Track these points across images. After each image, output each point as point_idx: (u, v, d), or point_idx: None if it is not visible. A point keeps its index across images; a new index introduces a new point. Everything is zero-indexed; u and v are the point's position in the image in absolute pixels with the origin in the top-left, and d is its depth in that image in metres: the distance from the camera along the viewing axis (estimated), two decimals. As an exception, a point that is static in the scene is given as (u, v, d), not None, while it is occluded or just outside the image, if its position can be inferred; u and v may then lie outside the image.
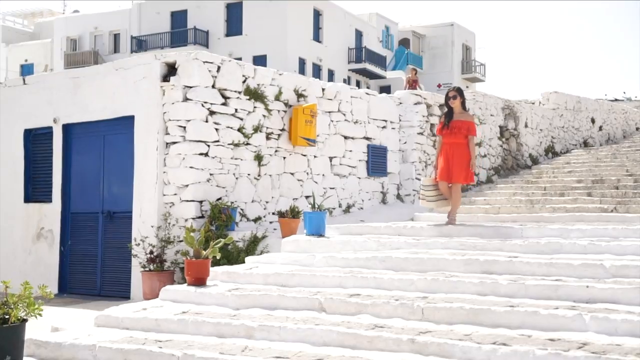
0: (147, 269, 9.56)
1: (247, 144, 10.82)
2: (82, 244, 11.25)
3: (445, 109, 9.93)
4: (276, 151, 11.33)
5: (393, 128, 13.96)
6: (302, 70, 36.92)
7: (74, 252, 11.36)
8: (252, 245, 9.77)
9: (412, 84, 20.77)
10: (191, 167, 10.03)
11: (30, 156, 12.04)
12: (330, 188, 12.41)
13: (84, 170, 11.32)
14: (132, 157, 10.46)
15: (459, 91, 9.77)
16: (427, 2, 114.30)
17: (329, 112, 12.46)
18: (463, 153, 9.52)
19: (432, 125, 14.48)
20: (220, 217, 9.83)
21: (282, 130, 11.43)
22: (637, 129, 25.01)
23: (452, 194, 9.64)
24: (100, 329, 7.01)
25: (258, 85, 11.01)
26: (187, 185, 10.02)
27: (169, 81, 10.17)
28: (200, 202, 10.08)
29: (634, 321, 5.52)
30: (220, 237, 9.18)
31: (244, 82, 10.81)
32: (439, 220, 11.60)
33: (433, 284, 7.06)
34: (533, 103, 19.36)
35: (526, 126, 17.75)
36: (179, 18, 40.39)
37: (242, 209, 10.65)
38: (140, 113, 10.42)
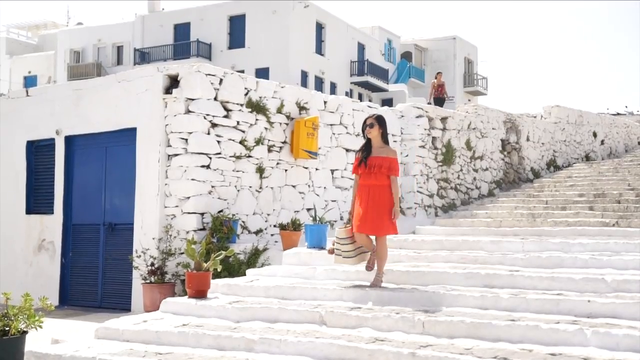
0: (148, 281, 9.55)
1: (249, 156, 10.83)
2: (83, 255, 11.25)
3: (364, 141, 7.99)
4: (278, 163, 11.34)
5: (395, 141, 13.97)
6: (304, 83, 37.00)
7: (75, 264, 11.35)
8: (253, 258, 9.76)
9: (439, 89, 20.14)
10: (193, 180, 10.04)
11: (32, 167, 12.06)
12: (332, 201, 12.41)
13: (86, 182, 11.34)
14: (134, 169, 10.47)
15: (379, 119, 7.77)
16: (429, 15, 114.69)
17: (331, 124, 12.48)
18: (384, 198, 7.59)
19: (434, 138, 14.50)
20: (221, 230, 9.83)
21: (284, 142, 11.45)
22: (639, 143, 25.01)
23: (376, 248, 7.71)
24: (101, 341, 7.00)
25: (260, 97, 11.04)
26: (188, 198, 10.03)
27: (171, 93, 10.20)
28: (202, 214, 10.09)
29: (636, 336, 5.50)
30: (222, 249, 9.18)
31: (246, 94, 10.84)
32: (441, 234, 11.59)
33: (434, 298, 7.05)
34: (535, 117, 19.38)
35: (528, 140, 17.76)
36: (181, 30, 40.54)
37: (243, 222, 10.65)
38: (143, 125, 10.44)
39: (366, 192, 7.63)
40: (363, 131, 7.83)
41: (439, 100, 20.17)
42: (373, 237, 7.78)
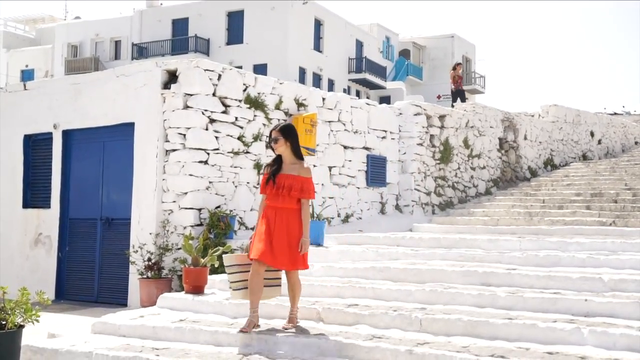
0: (144, 276, 9.53)
1: (247, 152, 10.82)
2: (80, 250, 11.23)
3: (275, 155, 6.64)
4: (276, 160, 11.32)
5: (393, 138, 13.98)
6: (302, 80, 36.97)
7: (71, 258, 11.33)
8: (251, 254, 9.74)
9: (458, 81, 19.18)
10: (190, 175, 10.03)
11: (30, 162, 12.03)
12: (329, 197, 12.40)
13: (83, 177, 11.31)
14: (132, 164, 10.45)
15: (284, 131, 6.43)
16: (427, 13, 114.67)
17: (329, 121, 12.47)
18: (295, 224, 6.33)
19: (431, 136, 14.50)
20: (218, 225, 9.82)
21: (282, 139, 11.42)
22: (636, 143, 25.05)
23: (289, 283, 6.50)
24: (97, 336, 6.99)
25: (258, 94, 11.02)
26: (186, 193, 10.01)
27: (169, 89, 10.19)
28: (199, 209, 10.07)
29: (633, 335, 5.51)
30: (219, 245, 9.17)
31: (244, 90, 10.83)
32: (438, 232, 11.59)
33: (431, 295, 7.06)
34: (532, 115, 19.39)
35: (525, 138, 17.77)
36: (180, 26, 40.48)
37: (240, 217, 10.64)
38: (141, 120, 10.42)
39: (273, 215, 6.33)
40: (270, 145, 6.55)
41: (460, 93, 18.99)
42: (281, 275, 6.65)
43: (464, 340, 5.91)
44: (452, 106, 17.33)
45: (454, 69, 19.60)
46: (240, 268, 6.45)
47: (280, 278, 6.64)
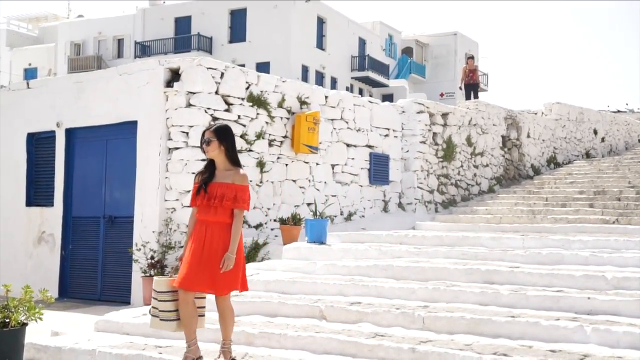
0: (147, 274, 9.54)
1: (250, 150, 10.82)
2: (83, 248, 11.24)
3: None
4: (278, 158, 11.34)
5: (395, 136, 13.97)
6: (305, 78, 36.95)
7: (74, 257, 11.35)
8: (253, 252, 9.76)
9: (470, 75, 18.77)
10: (193, 173, 10.01)
11: (33, 160, 12.04)
12: (332, 196, 12.40)
13: (86, 175, 11.33)
14: (135, 162, 10.46)
15: (219, 132, 5.67)
16: (430, 11, 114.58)
17: (332, 119, 12.47)
18: (227, 241, 5.50)
19: (434, 134, 14.49)
20: (221, 224, 9.80)
21: (285, 137, 11.44)
22: (639, 140, 25.00)
23: (219, 310, 5.61)
24: (101, 334, 7.00)
25: (261, 92, 11.02)
26: (189, 191, 10.01)
27: (172, 87, 10.19)
28: (202, 208, 10.06)
29: (636, 333, 5.51)
30: (222, 243, 9.15)
31: (247, 88, 10.83)
32: (441, 230, 11.59)
33: (434, 293, 7.06)
34: (535, 113, 19.36)
35: (528, 136, 17.75)
36: (182, 24, 40.46)
37: (243, 216, 10.63)
38: (143, 118, 10.43)
39: (204, 231, 5.50)
40: (201, 148, 5.77)
41: (472, 87, 18.68)
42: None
43: (466, 338, 5.91)
44: (470, 99, 17.39)
45: (467, 62, 19.27)
46: (173, 295, 5.50)
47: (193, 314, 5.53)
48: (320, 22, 39.93)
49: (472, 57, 19.41)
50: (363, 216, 13.06)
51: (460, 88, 19.15)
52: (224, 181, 5.57)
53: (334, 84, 40.06)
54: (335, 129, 12.54)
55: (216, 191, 5.52)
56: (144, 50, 40.64)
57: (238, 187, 5.57)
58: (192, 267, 5.39)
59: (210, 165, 5.69)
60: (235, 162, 5.67)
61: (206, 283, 5.40)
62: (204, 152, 5.68)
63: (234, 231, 5.50)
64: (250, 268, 9.01)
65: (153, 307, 5.58)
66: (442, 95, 43.21)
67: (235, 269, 5.44)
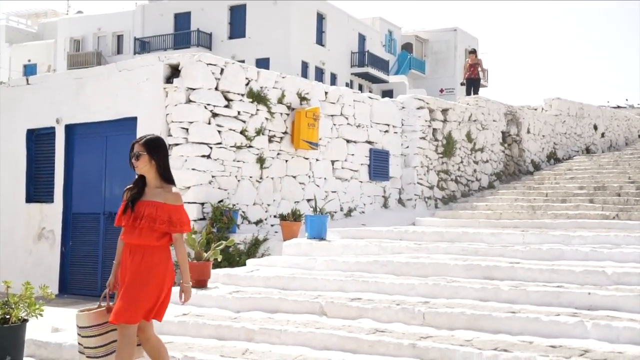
0: (148, 271, 9.53)
1: (250, 146, 10.82)
2: (83, 244, 11.25)
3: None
4: (278, 154, 11.33)
5: (395, 132, 13.96)
6: (304, 74, 36.91)
7: (75, 253, 11.35)
8: (254, 248, 9.76)
9: (471, 69, 18.47)
10: (193, 169, 10.03)
11: (33, 156, 12.03)
12: (332, 192, 12.40)
13: (86, 171, 11.32)
14: (135, 158, 10.44)
15: (149, 145, 5.02)
16: (430, 7, 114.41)
17: (332, 115, 12.46)
18: (154, 268, 4.90)
19: (434, 130, 14.48)
20: (221, 220, 9.82)
21: (285, 133, 11.43)
22: (639, 136, 24.99)
23: (149, 341, 5.07)
24: (101, 330, 6.99)
25: (261, 88, 11.01)
26: (189, 187, 10.01)
27: (172, 83, 10.18)
28: (202, 204, 10.08)
29: (636, 329, 5.51)
30: (222, 239, 9.17)
31: (247, 84, 10.82)
32: (441, 226, 11.59)
33: (434, 289, 7.06)
34: (535, 109, 19.35)
35: (528, 132, 17.74)
36: (182, 20, 40.41)
37: (243, 212, 10.65)
38: (143, 114, 10.42)
39: (127, 256, 4.92)
40: (130, 162, 5.05)
41: (473, 82, 18.42)
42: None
43: (467, 334, 5.92)
44: (470, 94, 17.33)
45: (469, 56, 19.07)
46: (97, 330, 4.96)
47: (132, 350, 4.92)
48: (320, 18, 39.87)
49: (473, 52, 19.18)
50: (363, 212, 13.05)
51: (462, 84, 19.08)
52: (154, 200, 4.91)
53: (333, 80, 40.03)
54: (335, 125, 12.53)
55: (143, 211, 4.87)
56: (143, 46, 40.60)
57: (171, 207, 4.90)
58: (120, 298, 4.82)
59: (141, 181, 5.03)
60: (167, 179, 5.02)
61: (130, 312, 4.76)
62: (133, 167, 5.01)
63: (181, 259, 4.99)
64: (251, 264, 9.01)
65: (78, 343, 5.05)
66: (442, 91, 43.18)
67: (156, 299, 4.87)
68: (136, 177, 5.07)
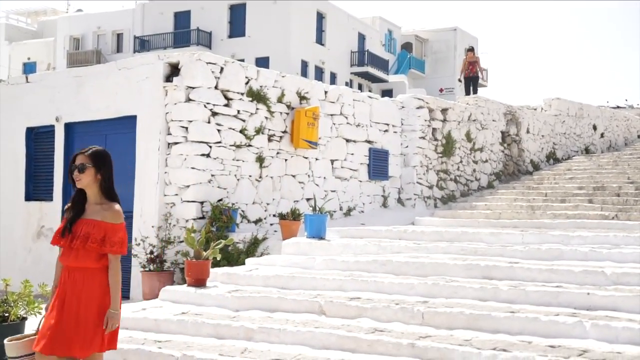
0: (147, 269, 9.55)
1: (249, 145, 10.81)
2: (82, 243, 11.22)
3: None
4: (278, 153, 11.33)
5: (395, 132, 13.96)
6: (304, 73, 36.91)
7: (74, 251, 11.33)
8: (253, 247, 9.76)
9: (470, 67, 18.30)
10: (192, 168, 10.03)
11: (32, 154, 12.03)
12: (332, 191, 12.40)
13: (86, 170, 11.30)
14: (134, 157, 10.45)
15: (95, 157, 4.63)
16: (430, 6, 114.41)
17: (331, 115, 12.45)
18: (91, 291, 4.52)
19: (434, 129, 14.48)
20: (221, 218, 9.82)
21: (284, 132, 11.43)
22: (638, 136, 24.99)
23: None
24: (100, 329, 6.99)
25: (261, 87, 11.01)
26: (188, 186, 10.01)
27: (171, 81, 10.18)
28: (201, 203, 10.08)
29: (635, 329, 5.51)
30: (221, 238, 9.17)
31: (246, 83, 10.81)
32: (440, 226, 11.60)
33: (433, 289, 7.05)
34: (535, 109, 19.34)
35: (528, 132, 17.74)
36: (182, 19, 40.39)
37: (243, 211, 10.64)
38: (143, 113, 10.41)
39: (65, 279, 4.55)
40: (70, 175, 4.63)
41: (472, 79, 18.22)
42: None
43: (466, 333, 5.91)
44: (468, 94, 17.30)
45: (467, 54, 18.89)
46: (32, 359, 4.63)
47: None
48: (320, 17, 39.87)
49: (472, 49, 18.99)
50: (362, 211, 13.05)
51: (460, 80, 18.98)
52: (93, 218, 4.53)
53: (333, 79, 40.02)
54: (334, 124, 12.53)
55: (80, 230, 4.50)
56: (143, 44, 40.59)
57: (108, 226, 4.50)
58: (50, 326, 4.42)
59: (81, 197, 4.61)
60: (110, 196, 4.60)
61: (62, 344, 4.39)
62: (73, 181, 4.57)
63: (112, 282, 4.50)
64: (250, 263, 9.01)
65: None
66: (441, 90, 43.17)
67: (95, 327, 4.45)
68: (74, 192, 4.65)
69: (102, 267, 4.52)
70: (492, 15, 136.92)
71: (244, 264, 9.16)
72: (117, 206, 4.60)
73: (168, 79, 10.26)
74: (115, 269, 4.54)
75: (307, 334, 6.10)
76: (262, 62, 33.91)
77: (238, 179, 10.63)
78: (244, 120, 10.73)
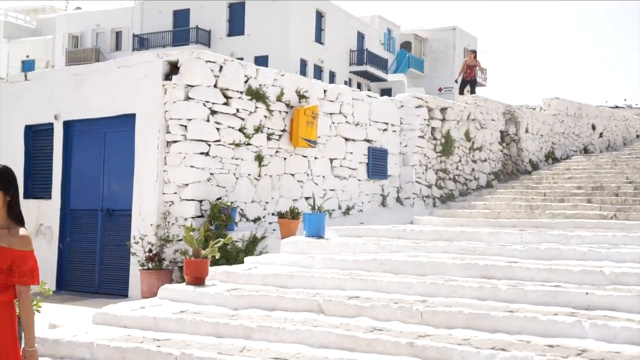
0: (145, 268, 9.54)
1: (248, 144, 10.81)
2: (81, 241, 11.23)
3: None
4: (277, 152, 11.32)
5: (394, 131, 13.96)
6: (303, 72, 36.88)
7: (72, 249, 11.34)
8: (251, 246, 9.76)
9: (468, 71, 17.94)
10: (191, 166, 10.02)
11: (31, 152, 12.02)
12: (330, 190, 12.40)
13: (84, 168, 11.31)
14: (133, 155, 10.45)
15: (4, 177, 3.95)
16: (429, 5, 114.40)
17: (330, 113, 12.45)
18: (4, 330, 3.88)
19: (433, 129, 14.48)
20: (219, 217, 9.82)
21: (283, 131, 11.42)
22: (637, 136, 25.00)
23: None
24: (98, 327, 7.00)
25: (260, 85, 11.00)
26: (187, 185, 10.01)
27: (171, 80, 10.17)
28: (200, 201, 10.07)
29: (633, 329, 5.51)
30: (220, 236, 9.17)
31: (246, 82, 10.81)
32: (439, 225, 11.60)
33: (432, 288, 7.05)
34: (534, 108, 19.35)
35: (527, 131, 17.75)
36: (181, 17, 40.36)
37: (241, 209, 10.64)
38: (142, 111, 10.41)
39: None
40: None
41: (468, 83, 17.92)
42: None
43: (464, 332, 5.92)
44: (462, 93, 17.29)
45: (467, 57, 18.70)
46: None
47: None
48: (319, 15, 39.85)
49: (473, 52, 18.77)
50: (361, 210, 13.05)
51: (456, 81, 18.96)
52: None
53: (332, 78, 40.00)
54: (333, 123, 12.53)
55: None
56: (142, 43, 40.55)
57: (16, 253, 3.86)
58: None
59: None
60: (17, 219, 3.97)
61: None
62: None
63: (24, 317, 3.90)
64: (249, 262, 9.01)
65: None
66: (440, 89, 43.15)
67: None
68: None
69: (9, 300, 3.90)
70: (491, 15, 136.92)
71: (242, 262, 9.16)
72: (24, 230, 3.97)
73: (167, 77, 10.26)
74: (27, 302, 3.91)
75: (305, 333, 6.10)
76: (261, 61, 33.88)
77: (237, 178, 10.63)
78: (243, 119, 10.73)
